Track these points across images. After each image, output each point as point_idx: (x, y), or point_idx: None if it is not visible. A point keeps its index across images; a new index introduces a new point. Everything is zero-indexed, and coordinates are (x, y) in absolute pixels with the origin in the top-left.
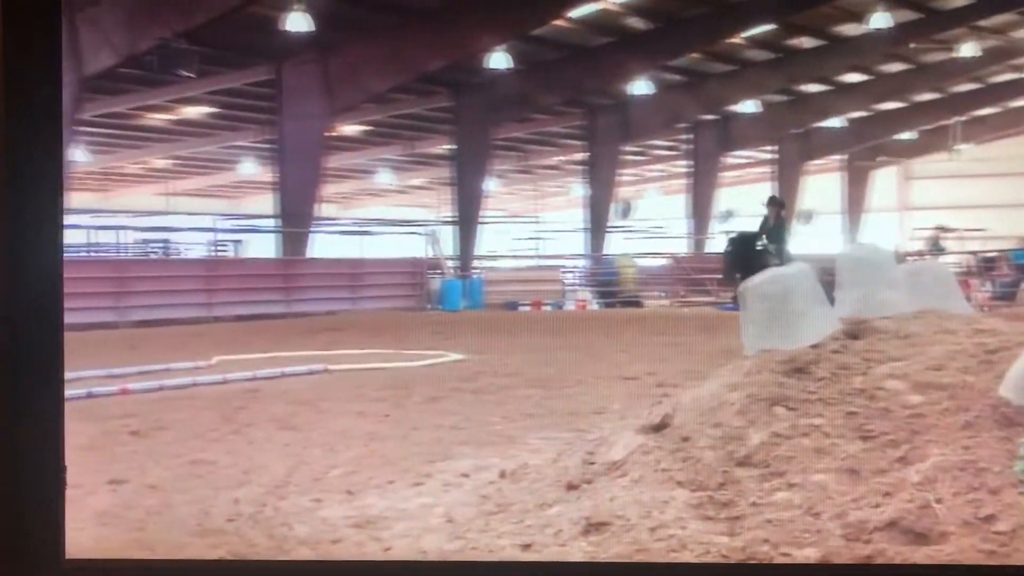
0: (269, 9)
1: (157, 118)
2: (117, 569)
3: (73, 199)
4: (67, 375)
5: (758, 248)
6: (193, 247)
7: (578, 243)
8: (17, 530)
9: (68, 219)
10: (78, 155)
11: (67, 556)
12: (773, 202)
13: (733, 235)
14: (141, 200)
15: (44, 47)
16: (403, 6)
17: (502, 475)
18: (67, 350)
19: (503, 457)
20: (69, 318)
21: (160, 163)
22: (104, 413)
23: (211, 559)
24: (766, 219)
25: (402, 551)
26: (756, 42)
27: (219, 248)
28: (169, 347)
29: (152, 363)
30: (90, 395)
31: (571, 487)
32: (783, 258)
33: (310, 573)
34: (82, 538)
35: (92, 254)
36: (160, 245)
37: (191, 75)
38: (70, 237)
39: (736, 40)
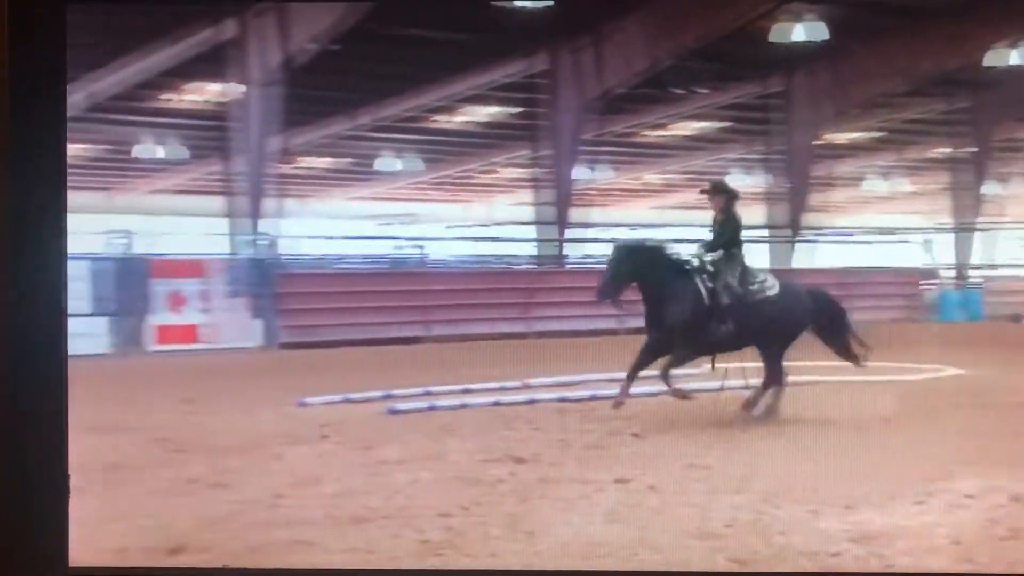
0: (769, 21)
1: (653, 135)
2: None
3: (576, 214)
4: (573, 378)
5: (665, 257)
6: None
7: None
8: (22, 538)
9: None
10: (584, 173)
11: (71, 564)
12: (717, 190)
13: (621, 242)
14: (637, 214)
15: (49, 53)
16: (919, 7)
17: (1014, 499)
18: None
19: (1013, 479)
20: (574, 325)
21: (652, 178)
22: (609, 414)
23: (211, 567)
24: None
25: (906, 570)
26: None
27: None
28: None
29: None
30: (593, 397)
31: None
32: (734, 268)
33: None
34: (592, 532)
35: (591, 266)
36: None
37: (704, 91)
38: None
39: None
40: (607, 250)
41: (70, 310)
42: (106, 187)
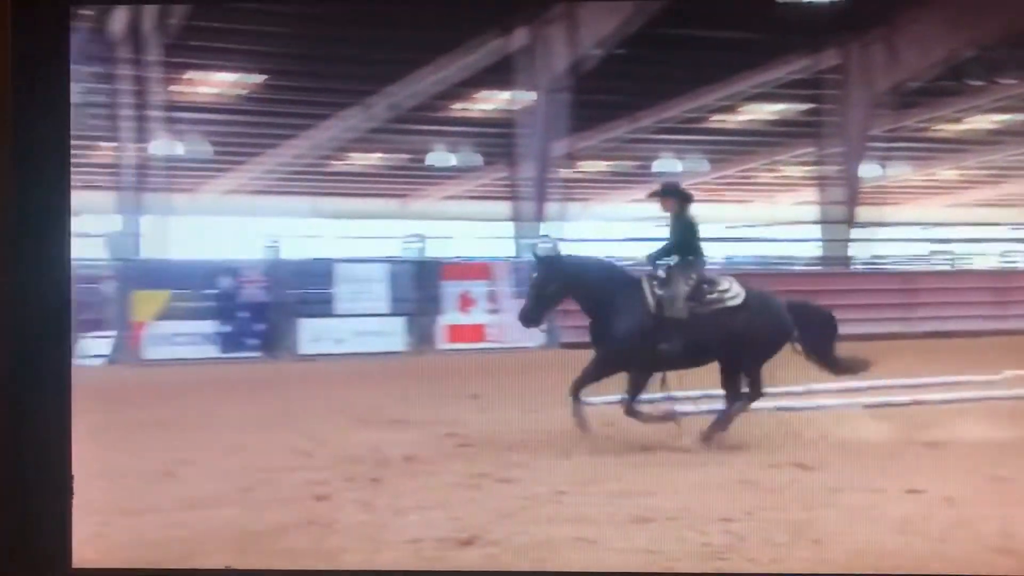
0: None
1: (949, 129)
2: None
3: (865, 212)
4: (855, 384)
5: (599, 264)
6: (982, 258)
7: None
8: (25, 539)
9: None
10: (874, 170)
11: (74, 565)
12: (668, 192)
13: (544, 253)
14: (931, 212)
15: (53, 53)
16: None
17: None
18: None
19: None
20: (857, 328)
21: (948, 174)
22: (898, 423)
23: (215, 568)
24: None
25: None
26: None
27: (1010, 259)
28: (958, 359)
29: (943, 375)
30: (881, 404)
31: None
32: (687, 276)
33: None
34: (883, 542)
35: (879, 267)
36: (947, 256)
37: (1008, 82)
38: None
39: None
40: (898, 250)
41: (369, 310)
42: (403, 194)
